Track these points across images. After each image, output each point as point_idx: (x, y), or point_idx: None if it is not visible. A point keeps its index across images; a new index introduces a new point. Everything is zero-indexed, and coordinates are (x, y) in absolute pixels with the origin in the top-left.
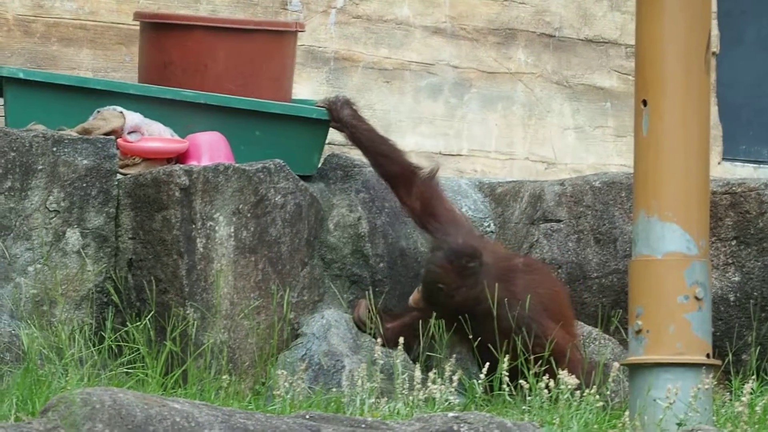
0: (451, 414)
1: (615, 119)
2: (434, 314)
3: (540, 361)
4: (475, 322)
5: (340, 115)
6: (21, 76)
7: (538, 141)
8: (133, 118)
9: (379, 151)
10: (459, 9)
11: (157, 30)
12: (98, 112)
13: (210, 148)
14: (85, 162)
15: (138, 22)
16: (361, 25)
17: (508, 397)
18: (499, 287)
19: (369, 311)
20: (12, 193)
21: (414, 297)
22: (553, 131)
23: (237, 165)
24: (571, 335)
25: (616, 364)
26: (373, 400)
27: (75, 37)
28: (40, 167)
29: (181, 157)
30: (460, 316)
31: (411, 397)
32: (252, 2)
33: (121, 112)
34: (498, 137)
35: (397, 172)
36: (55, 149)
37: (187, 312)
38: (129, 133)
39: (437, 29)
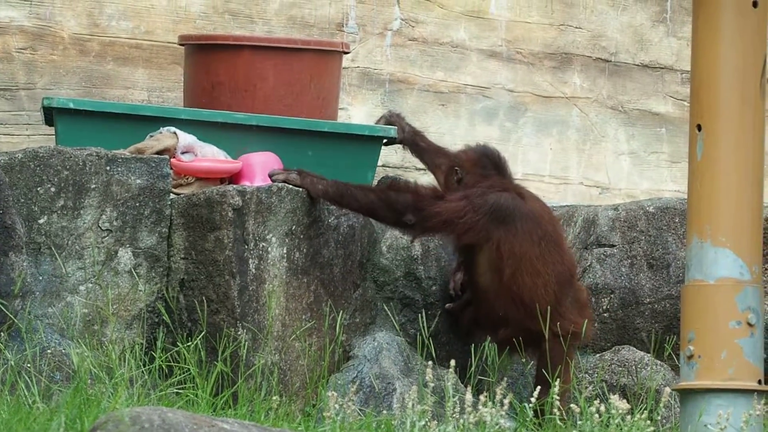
0: None
1: (670, 145)
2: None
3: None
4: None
5: (403, 124)
6: (71, 106)
7: (592, 166)
8: (186, 138)
9: (440, 151)
10: (515, 33)
11: (204, 52)
12: (151, 136)
13: (264, 168)
14: (138, 181)
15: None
16: (417, 47)
17: (558, 422)
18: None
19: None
20: (65, 212)
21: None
22: (607, 156)
23: (290, 186)
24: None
25: (668, 390)
26: (423, 422)
27: (130, 56)
28: (93, 186)
29: (234, 178)
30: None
31: (462, 420)
32: (308, 23)
33: (175, 132)
34: (552, 161)
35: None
36: (108, 168)
37: (239, 333)
38: (182, 153)
39: (493, 53)
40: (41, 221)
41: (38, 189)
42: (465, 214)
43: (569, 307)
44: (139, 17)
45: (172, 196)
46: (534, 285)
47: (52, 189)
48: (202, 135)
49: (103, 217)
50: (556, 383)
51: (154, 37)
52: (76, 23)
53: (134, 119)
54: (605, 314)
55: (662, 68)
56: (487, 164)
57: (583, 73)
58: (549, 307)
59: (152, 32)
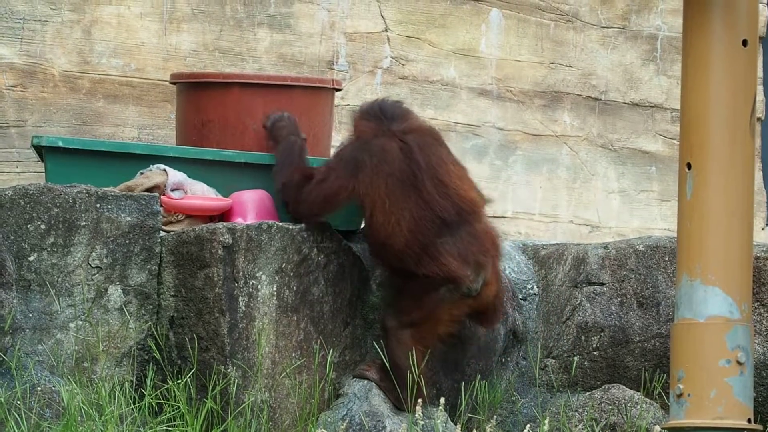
0: None
1: (660, 183)
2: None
3: None
4: None
5: None
6: (60, 144)
7: (582, 204)
8: (176, 175)
9: None
10: (505, 71)
11: (194, 89)
12: (141, 173)
13: (255, 205)
14: (128, 219)
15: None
16: (407, 85)
17: None
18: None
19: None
20: (55, 249)
21: None
22: (597, 194)
23: (280, 224)
24: None
25: (658, 428)
26: None
27: (121, 93)
28: (83, 223)
29: (225, 215)
30: None
31: None
32: (298, 61)
33: (164, 170)
34: (542, 200)
35: None
36: (98, 206)
37: (229, 370)
38: (172, 190)
39: (483, 91)
40: (31, 258)
41: (28, 226)
42: (333, 180)
43: (445, 249)
44: (129, 55)
45: (162, 233)
46: (386, 223)
47: (42, 226)
48: (192, 173)
49: (93, 254)
50: (546, 422)
51: (145, 74)
52: (67, 61)
53: (123, 157)
54: (595, 352)
55: (652, 107)
56: (369, 115)
57: (573, 111)
58: (410, 245)
59: (142, 70)
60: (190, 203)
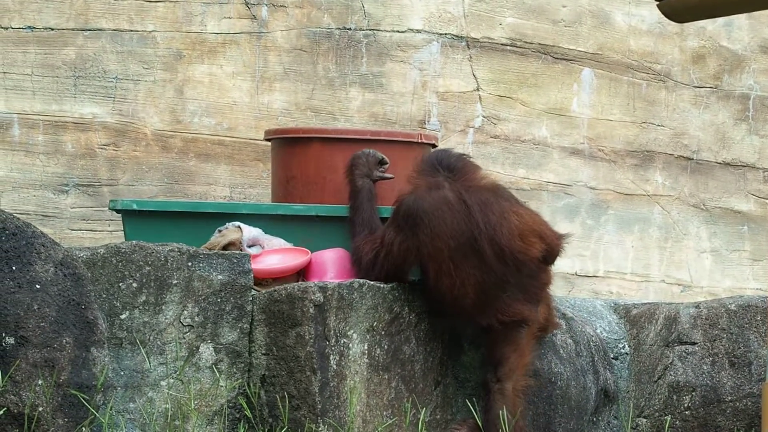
0: None
1: (752, 243)
2: None
3: None
4: None
5: None
6: (135, 207)
7: (674, 263)
8: (251, 231)
9: None
10: (597, 130)
11: (282, 146)
12: (219, 231)
13: (335, 264)
14: (220, 277)
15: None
16: (499, 144)
17: None
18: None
19: None
20: (146, 307)
21: None
22: (689, 254)
23: (371, 282)
24: None
25: None
26: None
27: (213, 152)
28: (175, 282)
29: (305, 274)
30: None
31: None
32: (390, 120)
33: (239, 227)
34: (634, 259)
35: None
36: (190, 264)
37: (320, 429)
38: (249, 246)
39: (575, 150)
40: (123, 316)
41: (120, 284)
42: (397, 248)
43: (512, 299)
44: (221, 114)
45: (253, 291)
46: (453, 286)
47: (134, 284)
48: (271, 228)
49: (185, 312)
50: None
51: (237, 133)
52: (159, 120)
53: (198, 216)
54: (686, 412)
55: (744, 166)
56: (426, 166)
57: (665, 170)
58: (478, 304)
59: (234, 129)
60: (267, 269)
